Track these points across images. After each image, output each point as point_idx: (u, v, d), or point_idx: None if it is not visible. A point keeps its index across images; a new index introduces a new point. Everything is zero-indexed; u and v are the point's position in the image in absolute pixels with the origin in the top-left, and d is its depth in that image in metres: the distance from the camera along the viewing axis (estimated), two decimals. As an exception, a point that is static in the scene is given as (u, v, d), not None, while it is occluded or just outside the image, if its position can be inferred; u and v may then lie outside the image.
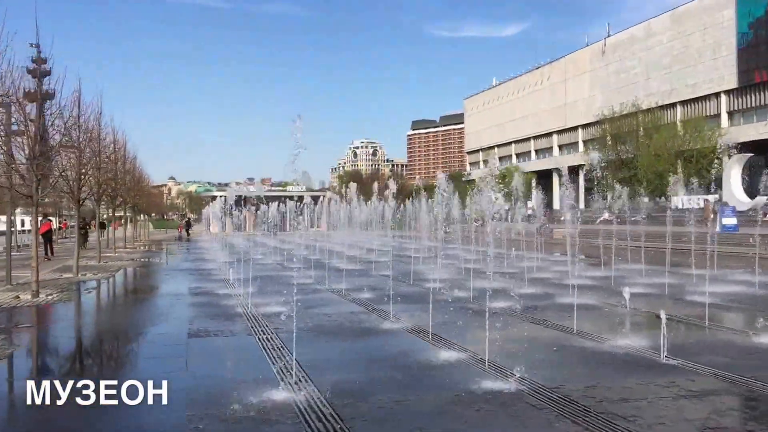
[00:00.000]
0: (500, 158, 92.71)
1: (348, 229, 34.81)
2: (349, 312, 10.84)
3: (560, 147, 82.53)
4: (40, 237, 22.34)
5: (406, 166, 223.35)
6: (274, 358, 7.48)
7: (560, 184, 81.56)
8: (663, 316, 7.45)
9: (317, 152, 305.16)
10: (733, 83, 57.32)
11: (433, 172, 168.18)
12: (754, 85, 55.89)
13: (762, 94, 55.83)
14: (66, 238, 32.51)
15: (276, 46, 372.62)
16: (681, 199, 45.05)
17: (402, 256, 21.36)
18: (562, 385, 6.24)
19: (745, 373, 6.62)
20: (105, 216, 33.43)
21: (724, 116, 59.40)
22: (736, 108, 58.78)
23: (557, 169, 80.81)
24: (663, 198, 50.44)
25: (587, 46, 76.18)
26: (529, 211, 55.97)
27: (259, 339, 8.55)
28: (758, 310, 11.03)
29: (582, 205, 71.94)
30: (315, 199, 45.93)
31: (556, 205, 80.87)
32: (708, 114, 60.03)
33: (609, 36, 72.80)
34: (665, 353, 7.30)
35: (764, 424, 5.30)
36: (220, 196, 47.04)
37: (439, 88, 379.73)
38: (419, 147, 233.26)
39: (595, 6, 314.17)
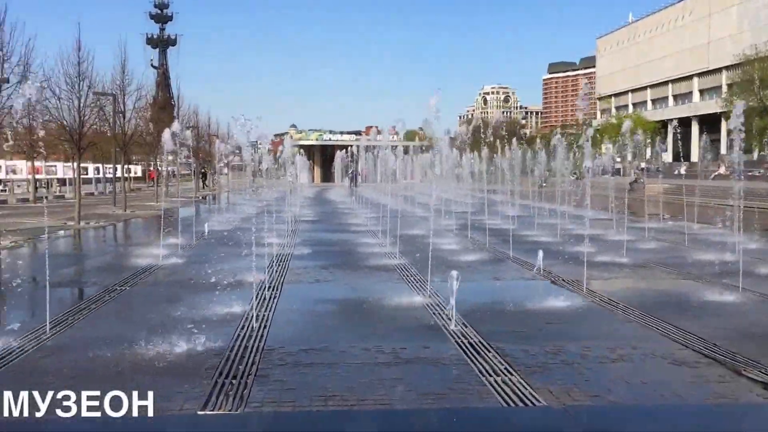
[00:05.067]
0: (635, 105, 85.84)
1: (439, 182, 33.45)
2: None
3: (701, 92, 74.39)
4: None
5: (542, 113, 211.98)
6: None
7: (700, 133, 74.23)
8: (454, 279, 6.82)
9: (444, 99, 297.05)
10: None
11: (572, 120, 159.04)
12: None
13: None
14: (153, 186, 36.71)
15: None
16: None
17: (441, 211, 19.61)
18: (282, 347, 6.07)
19: (494, 342, 6.05)
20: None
21: None
22: None
23: (696, 117, 73.50)
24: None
25: (736, -25, 67.02)
26: (644, 165, 51.61)
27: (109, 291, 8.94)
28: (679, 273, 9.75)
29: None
30: (406, 149, 45.65)
31: (694, 158, 73.76)
32: None
33: (761, -38, 63.49)
34: (457, 318, 6.77)
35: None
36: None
37: (580, 27, 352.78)
38: (556, 92, 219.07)
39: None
